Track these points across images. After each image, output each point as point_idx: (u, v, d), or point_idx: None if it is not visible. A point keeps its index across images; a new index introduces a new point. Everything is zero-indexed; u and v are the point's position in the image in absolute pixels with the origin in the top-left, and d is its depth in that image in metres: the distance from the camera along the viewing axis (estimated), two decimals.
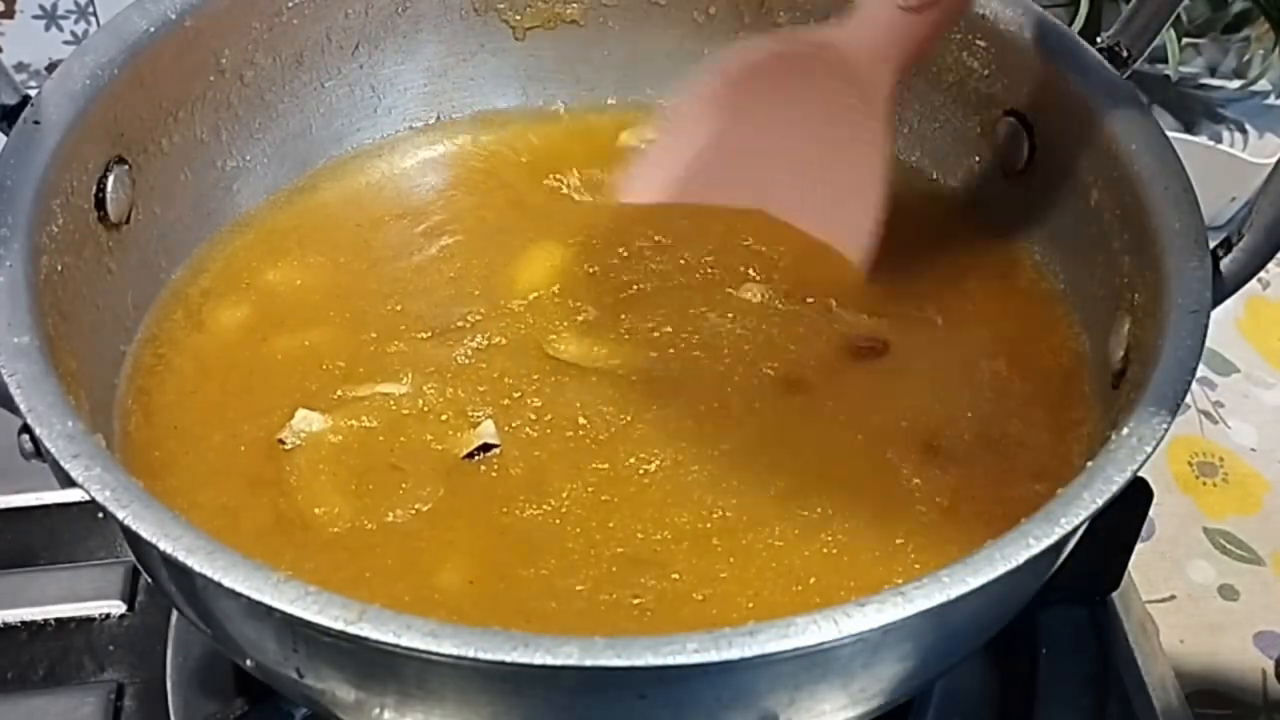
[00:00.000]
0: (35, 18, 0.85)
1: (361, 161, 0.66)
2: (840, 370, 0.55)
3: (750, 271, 0.58)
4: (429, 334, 0.56)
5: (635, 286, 0.58)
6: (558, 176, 0.65)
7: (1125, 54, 0.56)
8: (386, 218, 0.63)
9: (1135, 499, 0.55)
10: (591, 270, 0.59)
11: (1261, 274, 0.48)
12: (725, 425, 0.52)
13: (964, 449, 0.51)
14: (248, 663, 0.44)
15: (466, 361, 0.54)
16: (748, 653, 0.35)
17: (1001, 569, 0.38)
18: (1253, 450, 0.80)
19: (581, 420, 0.52)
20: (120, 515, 0.38)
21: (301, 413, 0.52)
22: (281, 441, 0.51)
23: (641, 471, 0.50)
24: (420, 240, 0.61)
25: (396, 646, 0.35)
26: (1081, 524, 0.40)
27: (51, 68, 0.79)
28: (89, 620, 0.62)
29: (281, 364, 0.55)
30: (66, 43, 0.86)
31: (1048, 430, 0.52)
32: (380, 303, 0.58)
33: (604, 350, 0.55)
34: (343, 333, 0.56)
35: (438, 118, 0.68)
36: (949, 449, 0.51)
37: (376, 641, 0.35)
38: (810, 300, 0.57)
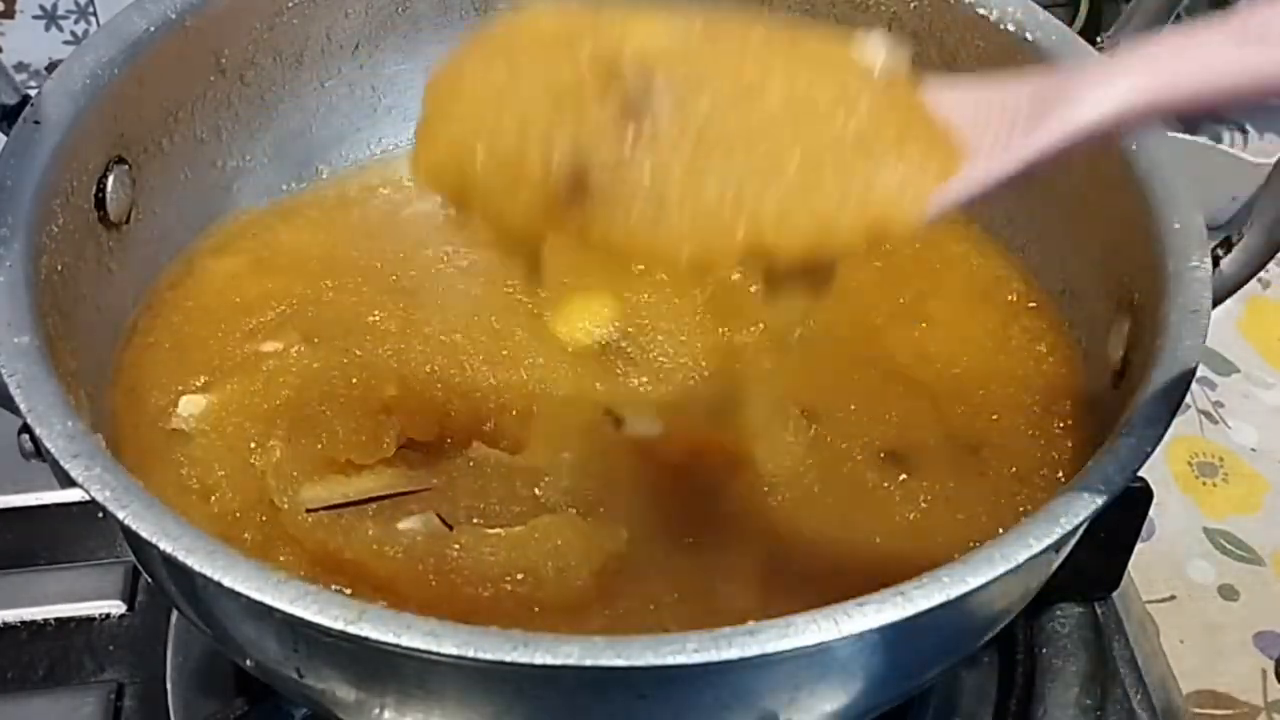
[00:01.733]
0: (35, 18, 0.85)
1: (362, 165, 0.66)
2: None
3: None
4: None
5: None
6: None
7: None
8: (387, 221, 0.63)
9: (1135, 499, 0.55)
10: None
11: (1261, 274, 0.48)
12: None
13: (939, 455, 0.51)
14: (248, 663, 0.44)
15: None
16: (748, 653, 0.35)
17: (1001, 569, 0.38)
18: (1253, 450, 0.80)
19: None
20: (120, 515, 0.38)
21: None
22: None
23: None
24: (419, 243, 0.61)
25: (396, 646, 0.35)
26: (1081, 524, 0.40)
27: (51, 68, 0.79)
28: (89, 620, 0.62)
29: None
30: (66, 43, 0.86)
31: (1035, 435, 0.52)
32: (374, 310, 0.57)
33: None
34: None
35: None
36: (926, 456, 0.51)
37: (376, 641, 0.35)
38: None
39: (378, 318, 0.56)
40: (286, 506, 0.48)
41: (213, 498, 0.49)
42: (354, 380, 0.52)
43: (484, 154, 0.38)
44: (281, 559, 0.47)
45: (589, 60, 0.37)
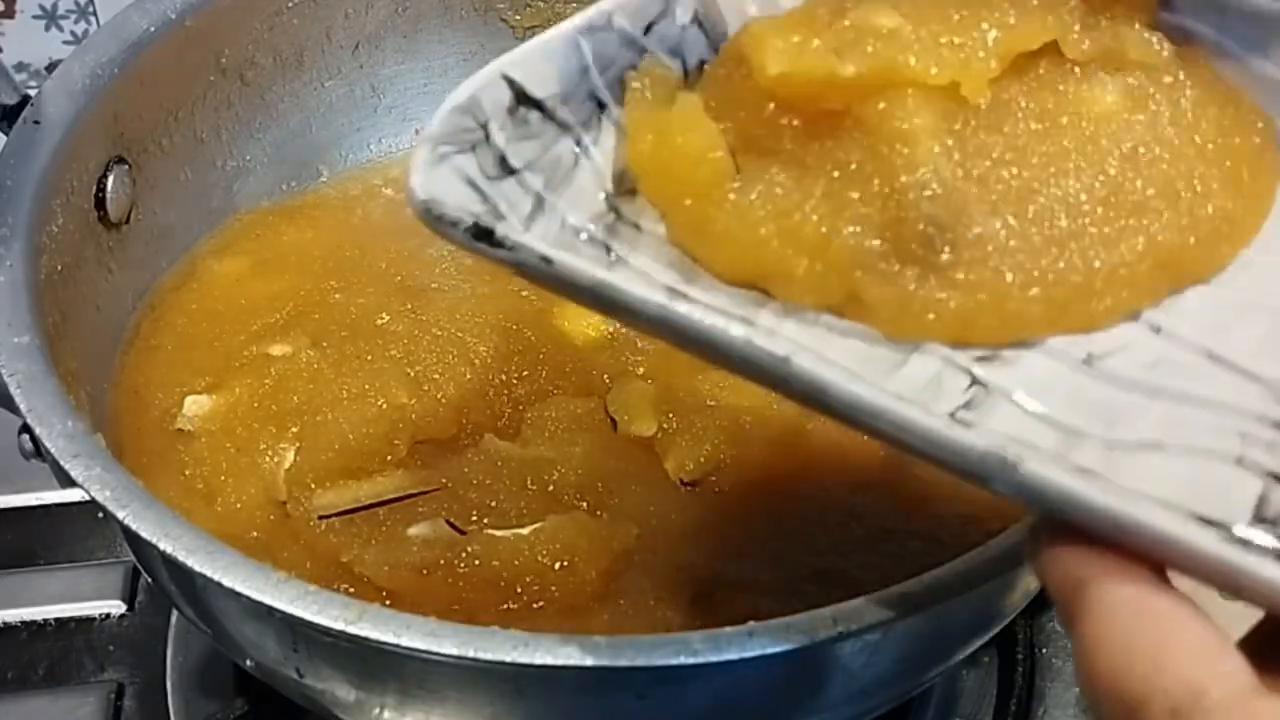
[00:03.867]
0: (35, 18, 0.85)
1: (363, 166, 0.67)
2: None
3: None
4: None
5: None
6: None
7: None
8: (391, 220, 0.63)
9: None
10: None
11: None
12: None
13: None
14: (248, 663, 0.44)
15: None
16: (747, 653, 0.35)
17: (1001, 568, 0.38)
18: None
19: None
20: (120, 515, 0.38)
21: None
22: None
23: None
24: (424, 243, 0.61)
25: (396, 646, 0.35)
26: None
27: (51, 68, 0.79)
28: (89, 620, 0.62)
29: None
30: (66, 43, 0.86)
31: None
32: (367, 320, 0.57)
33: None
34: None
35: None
36: None
37: (376, 641, 0.35)
38: None
39: (385, 319, 0.56)
40: (299, 513, 0.48)
41: (217, 499, 0.49)
42: (366, 385, 0.52)
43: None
44: (287, 561, 0.47)
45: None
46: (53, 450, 0.40)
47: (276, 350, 0.54)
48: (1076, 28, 0.35)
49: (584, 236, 0.34)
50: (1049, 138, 0.33)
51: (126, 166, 0.55)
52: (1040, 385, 0.31)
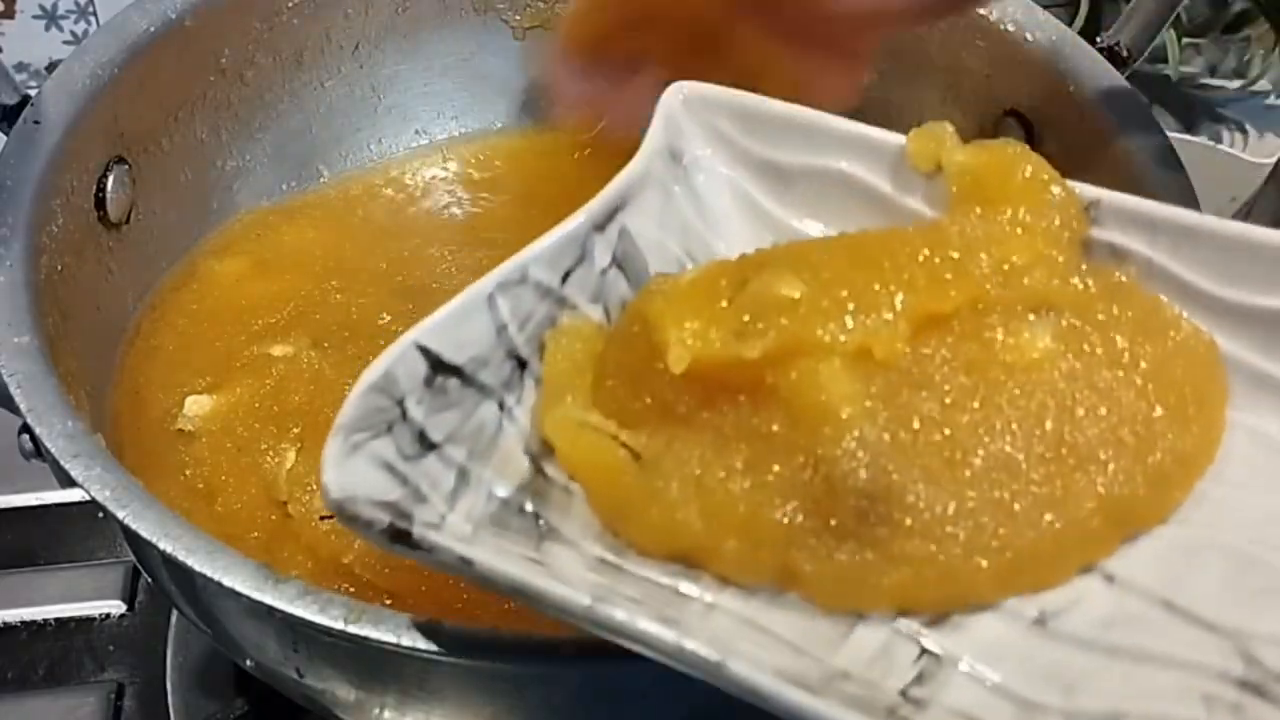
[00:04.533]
0: (35, 18, 0.85)
1: (363, 166, 0.67)
2: None
3: None
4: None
5: None
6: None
7: (1125, 54, 0.56)
8: (391, 221, 0.63)
9: None
10: None
11: None
12: None
13: None
14: (248, 663, 0.44)
15: None
16: None
17: None
18: None
19: None
20: (120, 515, 0.38)
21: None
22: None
23: None
24: (424, 243, 0.61)
25: (397, 646, 0.35)
26: None
27: (51, 68, 0.79)
28: (89, 620, 0.62)
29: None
30: (66, 43, 0.86)
31: None
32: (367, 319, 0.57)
33: None
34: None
35: (438, 117, 0.68)
36: None
37: (376, 641, 0.35)
38: None
39: (386, 319, 0.56)
40: (300, 514, 0.48)
41: (218, 499, 0.49)
42: None
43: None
44: (287, 561, 0.47)
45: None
46: (53, 450, 0.40)
47: (277, 350, 0.54)
48: (989, 277, 0.33)
49: (512, 510, 0.32)
50: (979, 392, 0.31)
51: (126, 166, 0.55)
52: (992, 652, 0.29)
